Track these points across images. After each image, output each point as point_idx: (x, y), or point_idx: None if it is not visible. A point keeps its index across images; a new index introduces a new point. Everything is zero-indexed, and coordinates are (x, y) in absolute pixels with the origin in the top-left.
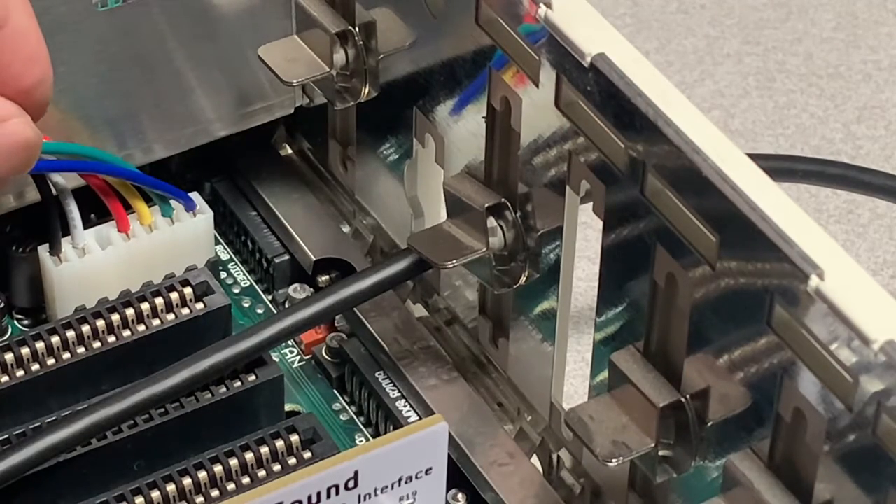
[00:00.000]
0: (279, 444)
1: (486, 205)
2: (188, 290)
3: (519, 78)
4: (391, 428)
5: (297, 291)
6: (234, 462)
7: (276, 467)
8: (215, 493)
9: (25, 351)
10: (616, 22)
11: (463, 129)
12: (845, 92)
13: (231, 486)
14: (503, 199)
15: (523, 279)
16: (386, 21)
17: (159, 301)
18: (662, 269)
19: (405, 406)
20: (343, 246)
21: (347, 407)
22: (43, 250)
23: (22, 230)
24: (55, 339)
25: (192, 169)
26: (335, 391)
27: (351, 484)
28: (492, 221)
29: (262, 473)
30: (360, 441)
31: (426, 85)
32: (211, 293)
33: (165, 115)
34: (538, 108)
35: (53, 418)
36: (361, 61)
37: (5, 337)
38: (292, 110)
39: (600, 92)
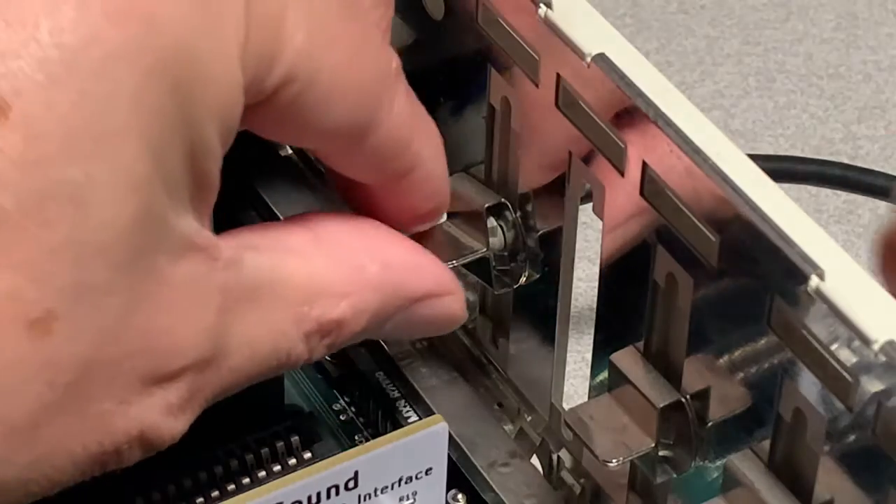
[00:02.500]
0: (279, 444)
1: (486, 205)
2: None
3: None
4: (391, 428)
5: None
6: (233, 462)
7: (276, 467)
8: (215, 493)
9: None
10: (616, 22)
11: (463, 129)
12: (845, 92)
13: (231, 486)
14: (503, 199)
15: (523, 279)
16: None
17: None
18: (662, 269)
19: (405, 406)
20: None
21: (347, 407)
22: None
23: None
24: None
25: None
26: (335, 391)
27: (351, 484)
28: (492, 221)
29: (262, 473)
30: (360, 441)
31: (426, 85)
32: None
33: None
34: (538, 108)
35: None
36: None
37: None
38: None
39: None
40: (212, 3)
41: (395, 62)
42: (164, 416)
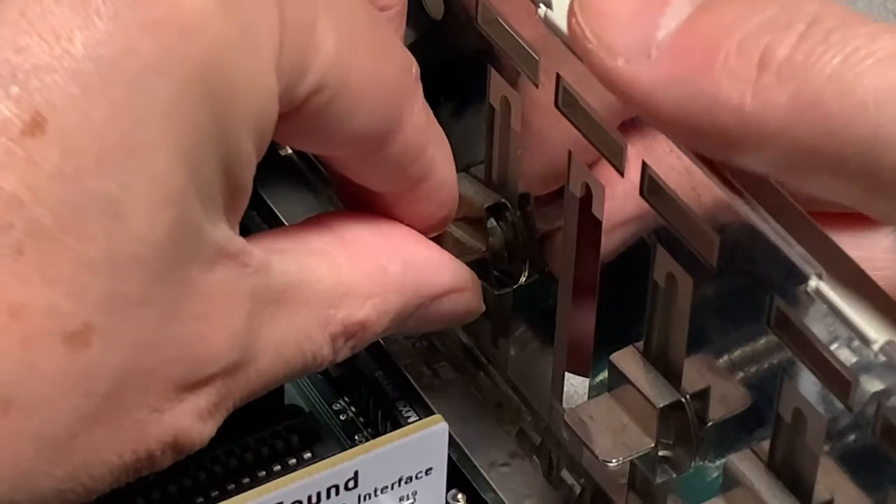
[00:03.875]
0: (279, 444)
1: (486, 205)
2: None
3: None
4: (391, 428)
5: None
6: (233, 462)
7: (276, 467)
8: (215, 492)
9: None
10: None
11: (463, 129)
12: None
13: (231, 486)
14: (503, 200)
15: (523, 279)
16: None
17: None
18: (662, 269)
19: (405, 406)
20: None
21: (347, 407)
22: None
23: None
24: None
25: None
26: (335, 391)
27: (351, 484)
28: (492, 222)
29: (261, 473)
30: (360, 441)
31: (426, 85)
32: None
33: None
34: (538, 108)
35: None
36: None
37: None
38: None
39: None
40: (245, 11)
41: (415, 67)
42: (195, 420)
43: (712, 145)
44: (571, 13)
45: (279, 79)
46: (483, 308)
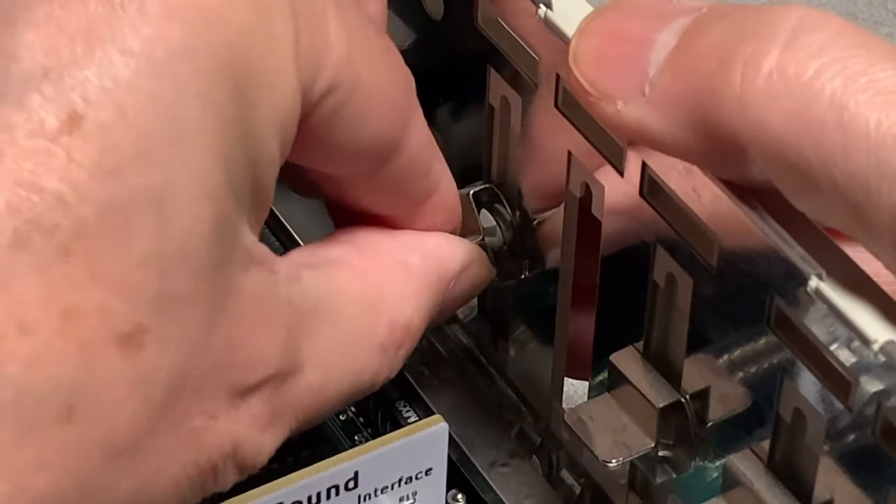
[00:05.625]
0: None
1: (472, 191)
2: None
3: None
4: (391, 428)
5: None
6: None
7: (275, 467)
8: None
9: None
10: None
11: (463, 129)
12: None
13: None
14: (503, 199)
15: (522, 277)
16: None
17: None
18: (662, 269)
19: (405, 406)
20: None
21: (347, 407)
22: None
23: None
24: None
25: None
26: None
27: (351, 484)
28: (490, 221)
29: (261, 473)
30: (360, 441)
31: (426, 85)
32: None
33: None
34: (538, 108)
35: None
36: None
37: None
38: None
39: None
40: (263, 1)
41: (412, 78)
42: (250, 429)
43: (720, 166)
44: (568, 67)
45: (299, 73)
46: (494, 271)
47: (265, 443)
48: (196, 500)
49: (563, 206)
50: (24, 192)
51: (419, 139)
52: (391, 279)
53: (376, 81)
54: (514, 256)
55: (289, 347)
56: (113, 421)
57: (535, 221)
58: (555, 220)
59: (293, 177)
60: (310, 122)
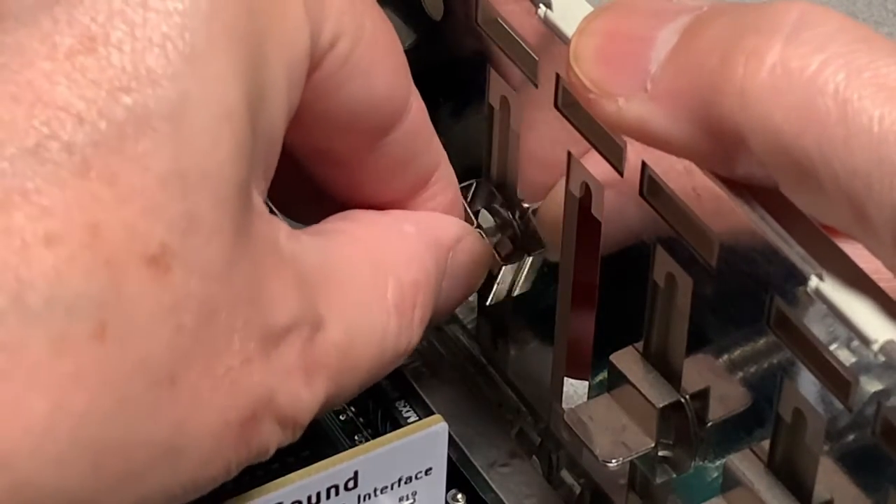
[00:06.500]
0: None
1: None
2: None
3: None
4: (391, 428)
5: None
6: None
7: (275, 466)
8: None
9: None
10: None
11: (462, 130)
12: None
13: (230, 486)
14: (503, 200)
15: (523, 278)
16: None
17: None
18: (662, 269)
19: (405, 406)
20: None
21: (347, 407)
22: None
23: None
24: None
25: None
26: None
27: (351, 484)
28: (490, 221)
29: (260, 473)
30: (360, 441)
31: (426, 85)
32: None
33: None
34: (538, 108)
35: None
36: None
37: None
38: None
39: None
40: None
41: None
42: (286, 380)
43: (721, 162)
44: (568, 66)
45: (308, 12)
46: (490, 250)
47: (302, 396)
48: (239, 463)
49: (553, 190)
50: (42, 109)
51: (420, 107)
52: (390, 243)
53: (379, 33)
54: (514, 255)
55: (304, 296)
56: (147, 345)
57: (529, 209)
58: (548, 208)
59: (289, 199)
60: (318, 76)
